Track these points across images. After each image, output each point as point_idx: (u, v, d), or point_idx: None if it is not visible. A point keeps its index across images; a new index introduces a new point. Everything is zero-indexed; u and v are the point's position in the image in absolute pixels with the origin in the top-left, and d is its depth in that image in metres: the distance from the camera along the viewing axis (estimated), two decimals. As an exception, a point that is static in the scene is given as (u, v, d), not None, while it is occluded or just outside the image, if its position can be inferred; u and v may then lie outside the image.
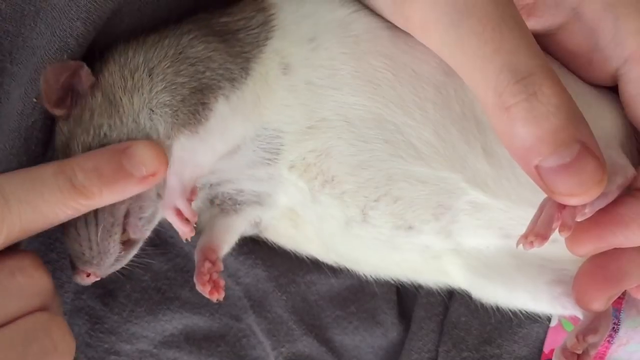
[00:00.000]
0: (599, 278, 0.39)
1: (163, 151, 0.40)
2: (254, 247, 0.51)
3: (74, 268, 0.42)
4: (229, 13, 0.44)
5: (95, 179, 0.38)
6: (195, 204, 0.44)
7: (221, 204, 0.47)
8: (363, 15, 0.43)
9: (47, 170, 0.38)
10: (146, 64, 0.42)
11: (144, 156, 0.39)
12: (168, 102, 0.41)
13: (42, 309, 0.38)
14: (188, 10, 0.46)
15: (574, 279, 0.40)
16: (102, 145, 0.41)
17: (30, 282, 0.38)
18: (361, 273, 0.49)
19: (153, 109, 0.42)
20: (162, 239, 0.51)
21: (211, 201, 0.47)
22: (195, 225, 0.43)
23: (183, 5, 0.45)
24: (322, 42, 0.42)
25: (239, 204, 0.46)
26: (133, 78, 0.42)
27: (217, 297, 0.43)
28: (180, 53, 0.42)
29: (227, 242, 0.47)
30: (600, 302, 0.39)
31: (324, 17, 0.43)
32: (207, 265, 0.44)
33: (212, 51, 0.42)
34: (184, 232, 0.43)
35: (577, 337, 0.41)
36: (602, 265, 0.39)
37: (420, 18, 0.37)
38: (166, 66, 0.42)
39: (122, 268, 0.45)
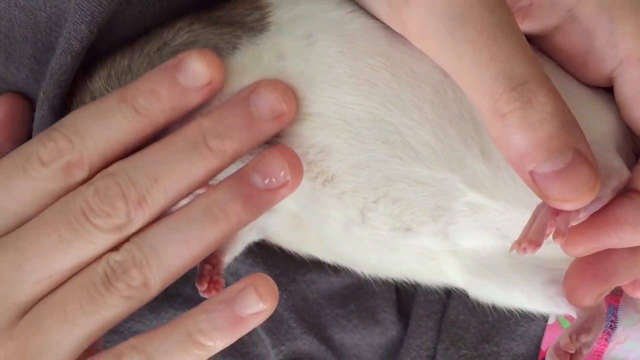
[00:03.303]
0: (589, 275, 0.39)
1: (216, 57, 0.40)
2: (255, 246, 0.50)
3: None
4: (223, 7, 0.44)
5: (155, 101, 0.39)
6: None
7: None
8: (359, 15, 0.42)
9: (110, 101, 0.39)
10: (131, 65, 0.42)
11: (196, 67, 0.39)
12: None
13: None
14: (190, 12, 0.45)
15: (565, 276, 0.41)
16: None
17: None
18: (360, 273, 0.49)
19: None
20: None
21: None
22: None
23: (185, 7, 0.45)
24: (319, 40, 0.42)
25: None
26: (119, 80, 0.42)
27: (215, 294, 0.43)
28: (164, 45, 0.42)
29: (230, 251, 0.46)
30: (590, 299, 0.39)
31: (320, 16, 0.42)
32: (208, 267, 0.44)
33: (197, 36, 0.42)
34: None
35: (570, 337, 0.41)
36: (593, 262, 0.39)
37: (416, 24, 0.37)
38: (146, 62, 0.42)
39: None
